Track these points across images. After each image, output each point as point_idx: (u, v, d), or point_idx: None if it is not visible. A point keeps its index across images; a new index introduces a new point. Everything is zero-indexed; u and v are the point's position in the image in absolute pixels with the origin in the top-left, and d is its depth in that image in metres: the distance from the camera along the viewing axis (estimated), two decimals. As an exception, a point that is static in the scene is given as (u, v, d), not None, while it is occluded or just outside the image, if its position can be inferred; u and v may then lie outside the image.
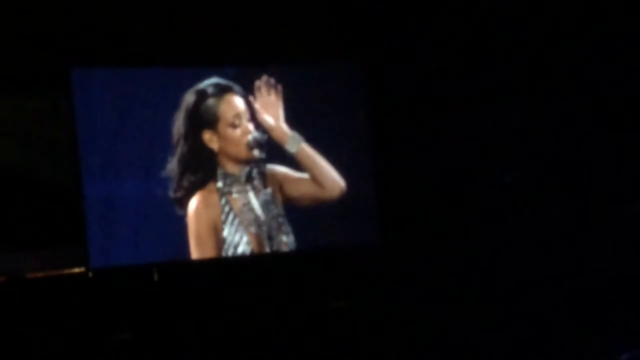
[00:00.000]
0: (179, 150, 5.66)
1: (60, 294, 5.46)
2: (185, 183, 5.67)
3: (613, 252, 6.05)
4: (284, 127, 5.84)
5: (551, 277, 6.08)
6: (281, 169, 5.85)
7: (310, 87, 6.06)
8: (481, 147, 6.31)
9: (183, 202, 5.66)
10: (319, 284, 5.97)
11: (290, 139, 5.82)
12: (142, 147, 5.67)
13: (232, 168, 5.74)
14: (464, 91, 6.28)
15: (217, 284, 5.72)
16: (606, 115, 6.14)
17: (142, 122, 5.69)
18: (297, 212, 5.87)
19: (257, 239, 5.77)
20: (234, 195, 5.74)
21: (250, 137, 5.71)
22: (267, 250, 5.79)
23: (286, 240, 5.83)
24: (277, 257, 5.86)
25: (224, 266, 5.76)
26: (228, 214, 5.71)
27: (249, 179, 5.76)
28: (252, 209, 5.76)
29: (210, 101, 5.71)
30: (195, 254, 5.66)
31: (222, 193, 5.71)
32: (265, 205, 5.77)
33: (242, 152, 5.71)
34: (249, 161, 5.74)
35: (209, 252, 5.68)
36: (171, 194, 5.65)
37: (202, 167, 5.69)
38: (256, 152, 5.72)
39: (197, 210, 5.66)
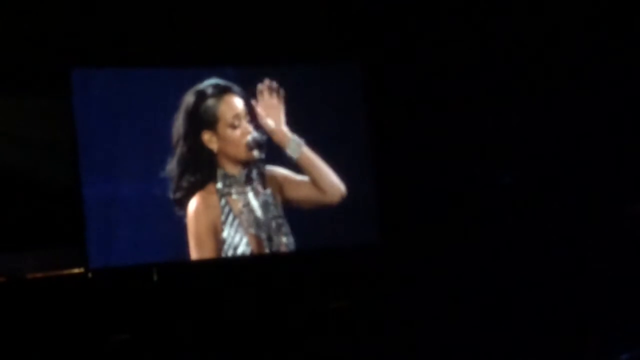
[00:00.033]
0: (179, 150, 5.66)
1: (60, 295, 5.46)
2: (184, 184, 5.67)
3: (613, 252, 6.04)
4: (286, 130, 5.84)
5: (551, 277, 6.07)
6: (281, 171, 5.85)
7: (310, 87, 6.07)
8: (481, 147, 6.31)
9: (182, 203, 5.66)
10: (319, 284, 5.97)
11: (291, 143, 5.82)
12: (142, 147, 5.68)
13: (231, 169, 5.74)
14: (464, 91, 6.28)
15: (217, 284, 5.73)
16: (606, 115, 6.13)
17: (141, 122, 5.70)
18: (297, 213, 5.87)
19: (257, 240, 5.77)
20: (234, 196, 5.74)
21: (249, 138, 5.71)
22: (267, 251, 5.79)
23: (286, 241, 5.83)
24: (277, 257, 5.86)
25: (224, 266, 5.76)
26: (228, 215, 5.71)
27: (249, 180, 5.76)
28: (251, 210, 5.75)
29: (210, 102, 5.71)
30: (194, 255, 5.66)
31: (221, 194, 5.71)
32: (264, 206, 5.76)
33: (242, 153, 5.71)
34: (249, 162, 5.74)
35: (209, 253, 5.69)
36: (170, 194, 5.66)
37: (202, 168, 5.69)
38: (255, 153, 5.72)
39: (197, 211, 5.66)
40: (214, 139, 5.69)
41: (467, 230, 6.22)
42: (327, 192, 5.89)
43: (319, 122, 6.00)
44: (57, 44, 5.65)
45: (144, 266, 5.63)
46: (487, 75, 6.27)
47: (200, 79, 5.76)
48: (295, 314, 5.85)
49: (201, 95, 5.70)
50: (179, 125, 5.67)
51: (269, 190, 5.79)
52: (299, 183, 5.86)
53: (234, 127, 5.70)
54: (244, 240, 5.73)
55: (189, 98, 5.70)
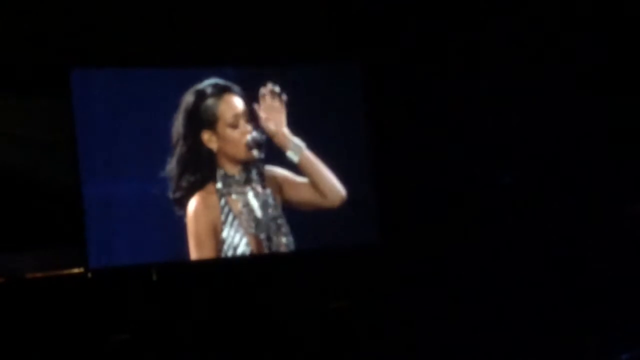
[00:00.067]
0: (178, 150, 5.66)
1: (60, 294, 5.46)
2: (184, 183, 5.66)
3: (613, 252, 6.04)
4: (287, 133, 5.84)
5: (551, 277, 6.07)
6: (281, 172, 5.85)
7: (310, 87, 6.06)
8: (481, 147, 6.31)
9: (182, 203, 5.66)
10: (319, 284, 5.96)
11: (292, 146, 5.81)
12: (142, 147, 5.67)
13: (231, 169, 5.73)
14: (464, 91, 6.27)
15: (216, 284, 5.73)
16: (606, 115, 6.13)
17: (141, 122, 5.69)
18: (297, 213, 5.87)
19: (257, 240, 5.76)
20: (234, 197, 5.73)
21: (249, 137, 5.71)
22: (266, 251, 5.78)
23: (285, 242, 5.83)
24: (276, 257, 5.86)
25: (223, 266, 5.76)
26: (228, 215, 5.70)
27: (248, 180, 5.76)
28: (251, 210, 5.75)
29: (210, 101, 5.71)
30: (194, 255, 5.66)
31: (221, 194, 5.71)
32: (264, 206, 5.76)
33: (241, 152, 5.71)
34: (248, 161, 5.74)
35: (209, 253, 5.69)
36: (170, 194, 5.65)
37: (201, 168, 5.69)
38: (255, 153, 5.72)
39: (197, 212, 5.66)
40: (214, 138, 5.69)
41: (467, 230, 6.22)
42: (327, 195, 5.88)
43: (318, 122, 6.00)
44: (57, 44, 5.65)
45: (143, 266, 5.63)
46: (487, 75, 6.27)
47: (200, 79, 5.76)
48: (295, 314, 5.85)
49: (201, 95, 5.70)
50: (178, 125, 5.67)
51: (268, 191, 5.79)
52: (299, 185, 5.86)
53: (233, 126, 5.70)
54: (244, 240, 5.72)
55: (188, 98, 5.70)
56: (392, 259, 6.12)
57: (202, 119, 5.68)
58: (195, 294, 5.67)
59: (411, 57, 6.31)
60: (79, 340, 5.40)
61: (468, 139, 6.30)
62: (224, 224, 5.69)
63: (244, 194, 5.75)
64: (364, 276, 6.04)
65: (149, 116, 5.70)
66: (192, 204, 5.66)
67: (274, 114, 5.83)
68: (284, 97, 5.86)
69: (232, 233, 5.70)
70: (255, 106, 5.81)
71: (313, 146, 5.85)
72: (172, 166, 5.65)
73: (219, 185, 5.71)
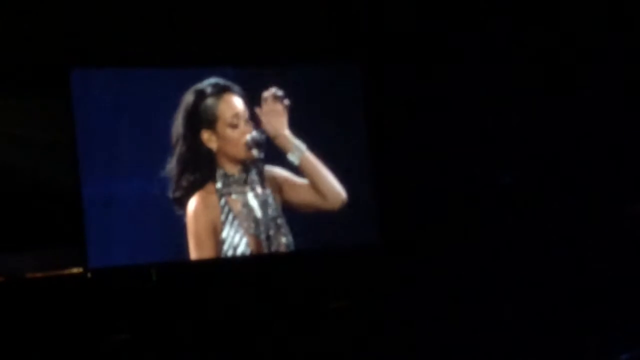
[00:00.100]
0: (178, 150, 5.66)
1: (59, 294, 5.45)
2: (184, 183, 5.66)
3: (613, 252, 6.04)
4: (288, 135, 5.84)
5: (551, 277, 6.07)
6: (281, 172, 5.85)
7: (309, 87, 6.06)
8: (481, 147, 6.31)
9: (182, 202, 5.66)
10: (319, 284, 5.96)
11: (294, 148, 5.81)
12: (141, 147, 5.67)
13: (231, 168, 5.73)
14: (463, 91, 6.27)
15: (216, 284, 5.73)
16: (606, 115, 6.13)
17: (141, 122, 5.69)
18: (297, 213, 5.86)
19: (256, 240, 5.76)
20: (233, 196, 5.73)
21: (248, 137, 5.71)
22: (266, 251, 5.78)
23: (285, 242, 5.83)
24: (276, 257, 5.86)
25: (223, 266, 5.76)
26: (228, 214, 5.70)
27: (248, 179, 5.76)
28: (251, 210, 5.75)
29: (209, 101, 5.71)
30: (194, 255, 5.65)
31: (221, 194, 5.71)
32: (264, 206, 5.76)
33: (241, 152, 5.71)
34: (248, 161, 5.74)
35: (208, 253, 5.68)
36: (170, 194, 5.65)
37: (201, 167, 5.69)
38: (255, 152, 5.72)
39: (196, 211, 5.66)
40: (213, 138, 5.69)
41: (467, 230, 6.22)
42: (327, 197, 5.88)
43: (318, 122, 5.99)
44: (57, 44, 5.65)
45: (143, 266, 5.62)
46: (487, 75, 6.27)
47: (200, 78, 5.75)
48: (295, 314, 5.85)
49: (200, 95, 5.70)
50: (178, 124, 5.66)
51: (268, 191, 5.78)
52: (299, 186, 5.86)
53: (233, 126, 5.70)
54: (244, 240, 5.72)
55: (188, 97, 5.69)
56: (392, 259, 6.12)
57: (201, 118, 5.68)
58: (195, 294, 5.66)
59: (411, 57, 6.30)
60: (79, 340, 5.39)
61: (468, 139, 6.30)
62: (224, 223, 5.69)
63: (244, 193, 5.74)
64: (364, 276, 6.04)
65: (149, 116, 5.70)
66: (192, 203, 5.66)
67: (275, 116, 5.83)
68: (286, 101, 5.85)
69: (232, 233, 5.70)
70: (257, 109, 5.81)
71: (313, 146, 5.85)
72: (172, 166, 5.65)
73: (219, 185, 5.71)
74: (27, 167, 5.67)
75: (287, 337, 5.74)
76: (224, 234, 5.69)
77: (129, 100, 5.71)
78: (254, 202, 5.75)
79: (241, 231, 5.72)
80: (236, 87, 5.76)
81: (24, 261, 5.52)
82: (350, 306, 5.99)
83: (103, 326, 5.46)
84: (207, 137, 5.68)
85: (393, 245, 6.13)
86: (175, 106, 5.68)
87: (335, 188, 5.90)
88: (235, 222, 5.71)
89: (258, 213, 5.75)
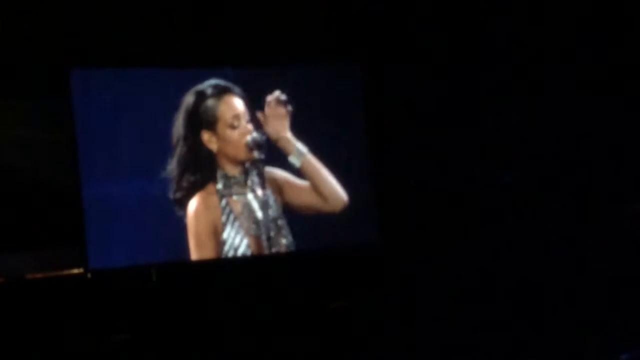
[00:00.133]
0: (178, 150, 5.66)
1: (59, 295, 5.46)
2: (184, 184, 5.66)
3: (613, 252, 6.04)
4: (291, 138, 5.84)
5: (551, 277, 6.07)
6: (282, 174, 5.84)
7: (309, 87, 6.06)
8: (481, 147, 6.31)
9: (182, 203, 5.65)
10: (319, 284, 5.97)
11: (295, 151, 5.81)
12: (142, 147, 5.66)
13: (231, 169, 5.73)
14: (463, 91, 6.27)
15: (216, 284, 5.73)
16: (606, 115, 6.13)
17: (141, 122, 5.69)
18: (297, 214, 5.86)
19: (257, 241, 5.76)
20: (234, 197, 5.73)
21: (249, 138, 5.70)
22: (267, 252, 5.78)
23: (285, 243, 5.82)
24: (276, 257, 5.85)
25: (223, 266, 5.76)
26: (228, 216, 5.70)
27: (249, 181, 5.75)
28: (252, 211, 5.74)
29: (210, 102, 5.71)
30: (194, 255, 5.65)
31: (222, 195, 5.71)
32: (264, 207, 5.76)
33: (241, 153, 5.71)
34: (248, 162, 5.73)
35: (209, 254, 5.68)
36: (171, 194, 5.65)
37: (202, 168, 5.69)
38: (255, 153, 5.71)
39: (197, 212, 5.65)
40: (214, 139, 5.69)
41: (467, 230, 6.22)
42: (328, 199, 5.88)
43: (318, 122, 5.99)
44: (57, 44, 5.65)
45: (143, 266, 5.62)
46: (487, 75, 6.27)
47: (200, 79, 5.75)
48: (296, 314, 5.85)
49: (201, 96, 5.70)
50: (178, 125, 5.66)
51: (268, 191, 5.78)
52: (300, 188, 5.86)
53: (233, 127, 5.70)
54: (245, 241, 5.72)
55: (188, 98, 5.69)
56: (392, 259, 6.12)
57: (202, 119, 5.68)
58: (195, 295, 5.66)
59: (411, 57, 6.30)
60: (79, 340, 5.40)
61: (468, 139, 6.30)
62: (225, 224, 5.69)
63: (244, 194, 5.74)
64: (364, 276, 6.05)
65: (149, 116, 5.69)
66: (193, 204, 5.66)
67: (278, 119, 5.82)
68: (290, 107, 5.85)
69: (232, 234, 5.70)
70: (260, 112, 5.81)
71: (312, 146, 5.85)
72: (172, 167, 5.64)
73: (220, 185, 5.71)
74: (27, 167, 5.66)
75: (287, 337, 5.73)
76: (225, 235, 5.69)
77: (129, 101, 5.71)
78: (254, 203, 5.75)
79: (242, 232, 5.72)
80: (236, 89, 5.76)
81: (24, 261, 5.52)
82: (350, 306, 5.98)
83: (103, 326, 5.46)
84: (208, 138, 5.68)
85: (393, 245, 6.13)
86: (175, 107, 5.68)
87: (336, 191, 5.90)
88: (236, 223, 5.71)
89: (259, 214, 5.75)
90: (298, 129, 5.85)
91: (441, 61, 6.30)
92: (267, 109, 5.82)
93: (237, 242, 5.70)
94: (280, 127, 5.83)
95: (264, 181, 5.76)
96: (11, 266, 5.48)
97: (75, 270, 5.55)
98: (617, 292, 5.91)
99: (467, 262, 6.13)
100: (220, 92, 5.73)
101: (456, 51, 6.31)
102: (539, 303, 5.98)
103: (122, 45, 5.77)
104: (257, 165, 5.74)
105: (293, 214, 5.84)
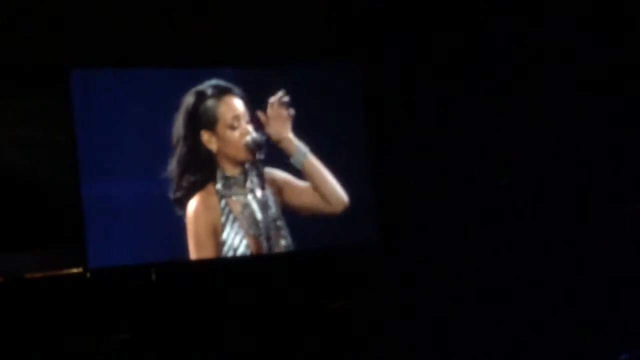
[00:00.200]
0: (178, 151, 5.66)
1: (59, 295, 5.46)
2: (184, 184, 5.66)
3: (613, 252, 6.04)
4: (293, 139, 5.83)
5: (551, 277, 6.07)
6: (281, 175, 5.84)
7: (310, 87, 6.06)
8: (481, 147, 6.30)
9: (182, 203, 5.66)
10: (319, 284, 5.97)
11: (297, 152, 5.81)
12: (142, 147, 5.67)
13: (231, 170, 5.73)
14: (463, 91, 6.27)
15: (216, 284, 5.73)
16: (606, 115, 6.12)
17: (141, 123, 5.69)
18: (296, 215, 5.86)
19: (256, 241, 5.76)
20: (234, 198, 5.73)
21: (248, 139, 5.70)
22: (266, 252, 5.78)
23: (285, 243, 5.82)
24: (276, 257, 5.85)
25: (223, 266, 5.76)
26: (228, 216, 5.70)
27: (248, 181, 5.75)
28: (251, 212, 5.74)
29: (210, 102, 5.71)
30: (194, 255, 5.65)
31: (221, 195, 5.71)
32: (264, 207, 5.75)
33: (241, 154, 5.71)
34: (248, 162, 5.73)
35: (208, 254, 5.68)
36: (170, 194, 5.65)
37: (202, 168, 5.69)
38: (255, 154, 5.71)
39: (197, 212, 5.66)
40: (214, 139, 5.69)
41: (467, 230, 6.22)
42: (329, 200, 5.88)
43: (318, 122, 5.99)
44: (57, 44, 5.65)
45: (142, 266, 5.62)
46: (487, 75, 6.26)
47: (200, 79, 5.76)
48: (295, 314, 5.85)
49: (201, 96, 5.70)
50: (178, 125, 5.67)
51: (268, 192, 5.78)
52: (300, 189, 5.86)
53: (233, 127, 5.70)
54: (244, 242, 5.72)
55: (188, 98, 5.70)
56: (392, 259, 6.12)
57: (202, 119, 5.68)
58: (195, 294, 5.67)
59: (411, 57, 6.30)
60: (79, 340, 5.40)
61: (468, 139, 6.30)
62: (225, 225, 5.69)
63: (244, 195, 5.74)
64: (364, 276, 6.05)
65: (149, 116, 5.70)
66: (192, 204, 5.66)
67: (280, 121, 5.83)
68: (292, 110, 5.85)
69: (232, 234, 5.70)
70: (262, 113, 5.81)
71: (312, 146, 5.85)
72: (172, 167, 5.65)
73: (219, 186, 5.71)
74: (27, 167, 5.67)
75: (287, 337, 5.73)
76: (225, 235, 5.69)
77: (129, 101, 5.71)
78: (254, 204, 5.75)
79: (241, 232, 5.72)
80: (236, 89, 5.76)
81: (24, 261, 5.52)
82: (350, 306, 5.98)
83: (103, 326, 5.46)
84: (207, 139, 5.68)
85: (393, 245, 6.13)
86: (175, 107, 5.68)
87: (337, 192, 5.90)
88: (236, 224, 5.71)
89: (258, 215, 5.75)
90: (298, 129, 5.85)
91: (441, 61, 6.30)
92: (269, 110, 5.83)
93: (236, 242, 5.70)
94: (283, 129, 5.83)
95: (263, 182, 5.76)
96: (11, 266, 5.48)
97: (75, 270, 5.55)
98: (617, 292, 5.90)
99: (467, 262, 6.13)
100: (220, 93, 5.73)
101: (456, 51, 6.30)
102: (539, 303, 5.98)
103: (122, 45, 5.77)
104: (257, 165, 5.73)
105: (292, 215, 5.84)
